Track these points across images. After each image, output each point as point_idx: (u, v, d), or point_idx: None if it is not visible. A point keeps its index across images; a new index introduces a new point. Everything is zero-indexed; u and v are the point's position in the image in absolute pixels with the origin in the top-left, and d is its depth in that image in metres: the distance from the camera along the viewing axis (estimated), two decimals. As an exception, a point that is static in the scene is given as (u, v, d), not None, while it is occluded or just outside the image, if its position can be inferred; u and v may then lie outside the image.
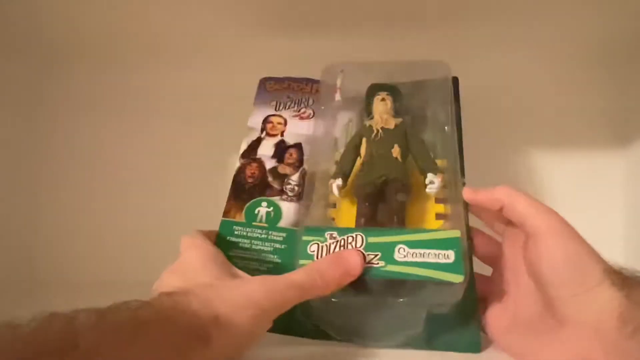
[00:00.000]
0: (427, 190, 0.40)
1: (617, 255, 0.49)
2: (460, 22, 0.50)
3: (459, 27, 0.49)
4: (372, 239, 0.36)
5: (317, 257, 0.35)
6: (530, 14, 0.50)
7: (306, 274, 0.33)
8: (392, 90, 0.46)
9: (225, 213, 0.44)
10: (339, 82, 0.47)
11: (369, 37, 0.53)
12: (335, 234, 0.36)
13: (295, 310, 0.36)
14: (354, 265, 0.34)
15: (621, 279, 0.30)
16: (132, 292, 0.28)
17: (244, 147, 0.48)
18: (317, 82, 0.52)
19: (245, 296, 0.30)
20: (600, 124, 0.57)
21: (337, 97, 0.46)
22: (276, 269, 0.41)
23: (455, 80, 0.48)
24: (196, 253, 0.36)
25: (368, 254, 0.35)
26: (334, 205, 0.43)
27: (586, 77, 0.59)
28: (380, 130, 0.43)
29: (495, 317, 0.36)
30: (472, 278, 0.38)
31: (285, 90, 0.52)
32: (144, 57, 0.62)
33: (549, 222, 0.32)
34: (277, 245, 0.42)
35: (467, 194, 0.37)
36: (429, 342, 0.37)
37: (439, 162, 0.43)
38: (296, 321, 0.38)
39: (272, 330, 0.33)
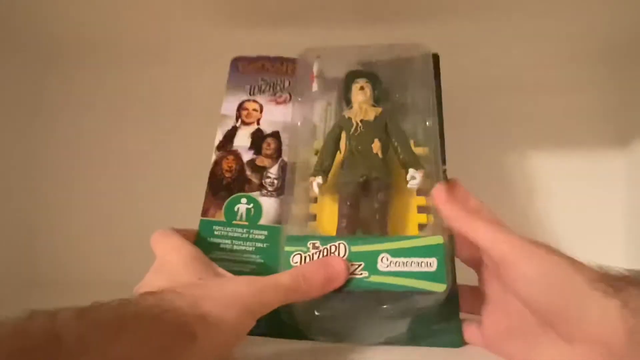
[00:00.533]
0: (408, 186, 0.40)
1: (617, 255, 0.49)
2: (457, 16, 0.47)
3: (455, 22, 0.46)
4: (355, 248, 0.35)
5: (301, 268, 0.35)
6: (530, 12, 0.48)
7: (291, 277, 0.33)
8: (371, 77, 0.44)
9: (204, 212, 0.43)
10: (315, 69, 0.45)
11: (349, 29, 0.50)
12: (317, 243, 0.36)
13: (280, 314, 0.37)
14: (339, 273, 0.34)
15: (611, 284, 0.28)
16: (131, 292, 0.28)
17: (219, 137, 0.46)
18: (292, 60, 0.50)
19: (231, 294, 0.30)
20: (600, 123, 0.56)
21: (314, 87, 0.44)
22: (259, 270, 0.41)
23: (435, 58, 0.47)
24: (177, 254, 0.36)
25: (352, 264, 0.35)
26: (315, 200, 0.42)
27: (586, 77, 0.57)
28: (359, 124, 0.41)
29: (490, 326, 0.36)
30: (453, 272, 0.38)
31: (259, 71, 0.50)
32: (142, 57, 0.61)
33: (511, 247, 0.31)
34: (259, 245, 0.42)
35: (440, 197, 0.36)
36: (412, 338, 0.38)
37: (419, 149, 0.42)
38: (282, 323, 0.38)
39: (257, 332, 0.33)
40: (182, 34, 0.56)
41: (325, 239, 0.36)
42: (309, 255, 0.36)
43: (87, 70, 0.64)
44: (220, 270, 0.36)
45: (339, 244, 0.36)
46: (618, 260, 0.31)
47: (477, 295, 0.38)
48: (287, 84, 0.49)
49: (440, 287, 0.33)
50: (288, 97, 0.48)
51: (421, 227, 0.40)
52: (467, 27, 0.45)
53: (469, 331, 0.37)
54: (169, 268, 0.35)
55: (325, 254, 0.36)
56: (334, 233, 0.39)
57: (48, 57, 0.63)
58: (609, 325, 0.27)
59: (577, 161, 0.55)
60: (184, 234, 0.39)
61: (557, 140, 0.56)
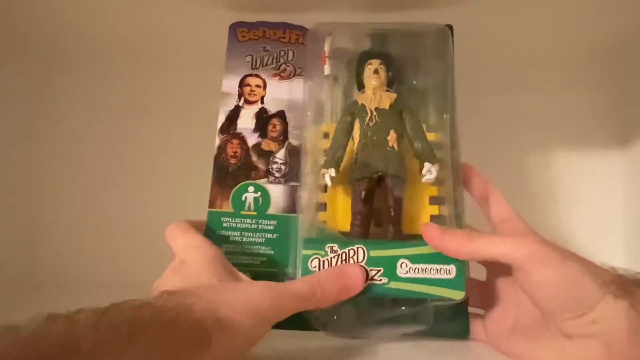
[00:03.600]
0: (423, 180, 0.39)
1: (617, 255, 0.50)
2: (456, 9, 0.44)
3: (456, 15, 0.43)
4: (374, 253, 0.35)
5: (319, 273, 0.35)
6: (529, 12, 0.47)
7: (307, 285, 0.33)
8: (384, 58, 0.41)
9: (211, 203, 0.41)
10: (327, 48, 0.41)
11: (358, 14, 0.46)
12: (336, 246, 0.35)
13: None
14: (356, 283, 0.34)
15: (623, 287, 0.29)
16: (132, 292, 0.28)
17: (221, 119, 0.44)
18: (294, 27, 0.47)
19: (247, 300, 0.30)
20: (600, 123, 0.55)
21: (327, 70, 0.41)
22: (270, 262, 0.40)
23: (450, 29, 0.44)
24: (197, 254, 0.35)
25: (370, 270, 0.35)
26: (325, 189, 0.41)
27: (586, 77, 0.56)
28: (374, 112, 0.39)
29: (495, 322, 0.37)
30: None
31: (261, 39, 0.46)
32: (145, 59, 0.59)
33: (528, 251, 0.31)
34: (269, 235, 0.41)
35: (434, 238, 0.35)
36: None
37: (432, 135, 0.41)
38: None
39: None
40: (184, 32, 0.53)
41: (344, 243, 0.36)
42: (327, 259, 0.35)
43: (86, 70, 0.62)
44: (240, 274, 0.36)
45: (357, 248, 0.35)
46: (618, 260, 0.32)
47: (485, 290, 0.39)
48: (291, 55, 0.46)
49: (458, 295, 0.34)
50: (293, 71, 0.45)
51: (433, 218, 0.39)
52: (467, 24, 0.42)
53: (473, 326, 0.38)
54: (189, 268, 0.35)
55: (343, 258, 0.35)
56: (346, 228, 0.39)
57: (50, 60, 0.61)
58: (614, 325, 0.28)
59: (577, 161, 0.55)
60: (196, 226, 0.39)
61: (556, 141, 0.56)
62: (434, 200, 0.40)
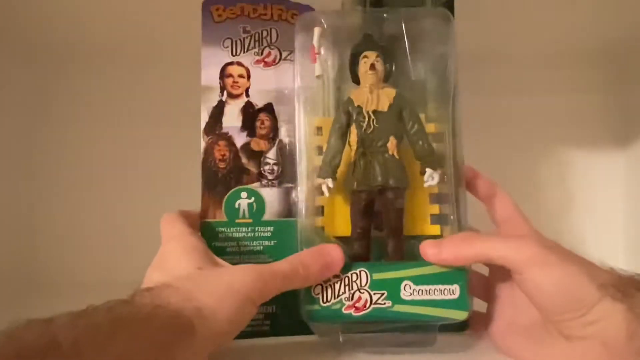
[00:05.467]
0: (425, 185, 0.37)
1: (617, 255, 0.50)
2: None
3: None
4: (377, 276, 0.35)
5: (323, 301, 0.35)
6: (530, 12, 0.44)
7: (290, 264, 0.34)
8: (382, 50, 0.37)
9: (204, 213, 0.39)
10: (316, 41, 0.37)
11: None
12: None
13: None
14: (336, 260, 0.35)
15: (621, 289, 0.29)
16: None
17: (204, 116, 0.40)
18: (275, 1, 0.41)
19: (227, 285, 0.31)
20: (600, 124, 0.54)
21: (317, 70, 0.37)
22: (269, 270, 0.40)
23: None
24: (175, 244, 0.35)
25: (374, 293, 0.35)
26: (321, 192, 0.39)
27: (586, 77, 0.54)
28: (372, 117, 0.36)
29: (496, 322, 0.37)
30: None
31: (239, 18, 0.41)
32: (145, 60, 0.58)
33: (527, 254, 0.32)
34: (266, 242, 0.40)
35: (430, 255, 0.34)
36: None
37: (431, 126, 0.39)
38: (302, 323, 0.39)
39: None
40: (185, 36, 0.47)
41: (346, 267, 0.35)
42: (330, 284, 0.35)
43: (86, 72, 0.61)
44: (221, 261, 0.35)
45: (360, 272, 0.35)
46: (618, 260, 0.32)
47: (486, 284, 0.39)
48: (274, 35, 0.41)
49: (462, 315, 0.34)
50: (278, 55, 0.41)
51: (433, 218, 0.39)
52: (467, 24, 0.38)
53: (475, 320, 0.39)
54: (167, 261, 0.35)
55: (346, 282, 0.35)
56: (344, 232, 0.38)
57: (48, 63, 0.60)
58: (612, 327, 0.29)
59: (577, 161, 0.54)
60: (191, 215, 0.39)
61: (556, 141, 0.55)
62: (434, 199, 0.39)
